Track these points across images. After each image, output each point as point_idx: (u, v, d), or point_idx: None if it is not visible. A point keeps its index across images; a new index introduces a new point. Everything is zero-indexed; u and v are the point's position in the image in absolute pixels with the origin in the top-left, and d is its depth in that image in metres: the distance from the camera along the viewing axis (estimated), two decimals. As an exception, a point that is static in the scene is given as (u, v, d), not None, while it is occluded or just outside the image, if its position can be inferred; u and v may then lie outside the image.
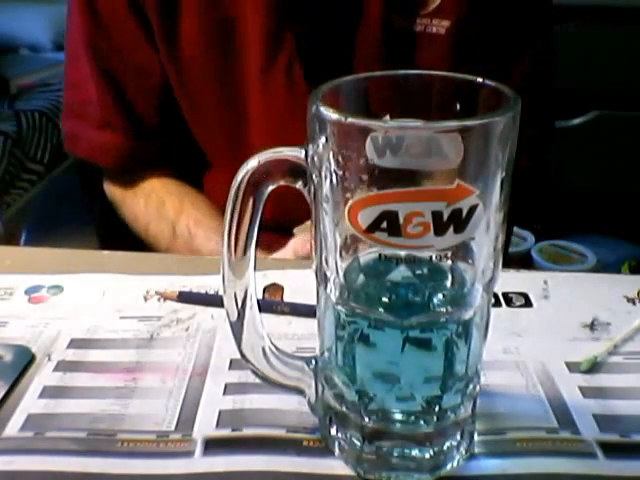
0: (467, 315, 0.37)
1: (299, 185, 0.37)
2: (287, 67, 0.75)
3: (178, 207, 0.80)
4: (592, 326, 0.52)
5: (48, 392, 0.45)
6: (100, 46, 0.78)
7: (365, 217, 0.33)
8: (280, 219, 0.64)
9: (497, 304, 0.54)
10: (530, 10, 0.82)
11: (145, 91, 0.80)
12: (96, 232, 0.96)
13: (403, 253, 0.34)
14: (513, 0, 0.80)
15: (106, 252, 0.64)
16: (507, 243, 0.96)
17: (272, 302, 0.55)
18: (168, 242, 0.79)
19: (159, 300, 0.55)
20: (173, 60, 0.76)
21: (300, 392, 0.42)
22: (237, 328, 0.40)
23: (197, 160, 0.84)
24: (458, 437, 0.39)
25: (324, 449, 0.41)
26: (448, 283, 0.37)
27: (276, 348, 0.41)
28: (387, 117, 0.34)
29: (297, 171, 0.36)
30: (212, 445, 0.41)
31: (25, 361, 0.48)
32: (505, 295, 0.56)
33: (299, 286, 0.56)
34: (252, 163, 0.36)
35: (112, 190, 0.86)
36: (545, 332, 0.51)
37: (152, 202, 0.81)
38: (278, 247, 0.67)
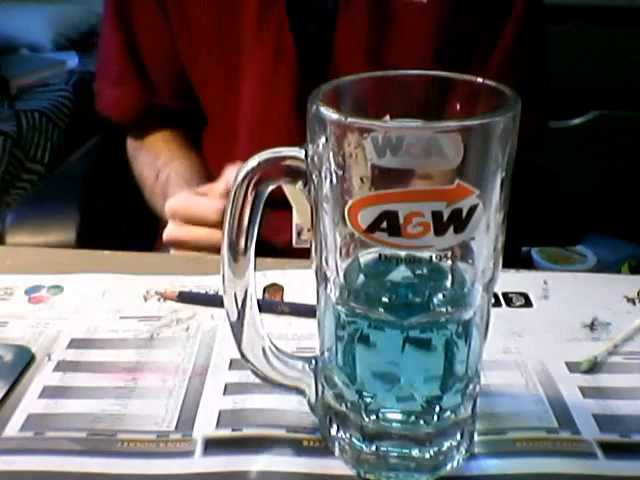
0: (467, 315, 0.37)
1: (299, 185, 0.37)
2: (278, 26, 0.79)
3: (168, 160, 0.86)
4: (592, 326, 0.52)
5: (48, 392, 0.45)
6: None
7: (365, 217, 0.33)
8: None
9: (497, 304, 0.54)
10: None
11: (157, 47, 0.86)
12: (99, 230, 0.97)
13: (403, 253, 0.34)
14: None
15: (106, 252, 0.64)
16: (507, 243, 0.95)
17: (272, 302, 0.55)
18: (151, 186, 0.85)
19: (159, 300, 0.55)
20: (178, 8, 0.82)
21: (300, 392, 0.42)
22: (237, 328, 0.40)
23: (197, 118, 0.89)
24: (458, 437, 0.39)
25: (324, 449, 0.41)
26: (448, 283, 0.37)
27: (276, 348, 0.41)
28: (387, 117, 0.34)
29: (297, 171, 0.36)
30: (212, 445, 0.41)
31: (25, 361, 0.48)
32: (505, 295, 0.56)
33: (299, 286, 0.56)
34: (252, 163, 0.36)
35: (128, 147, 0.93)
36: (545, 332, 0.51)
37: (151, 155, 0.88)
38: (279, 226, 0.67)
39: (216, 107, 0.87)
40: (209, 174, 0.84)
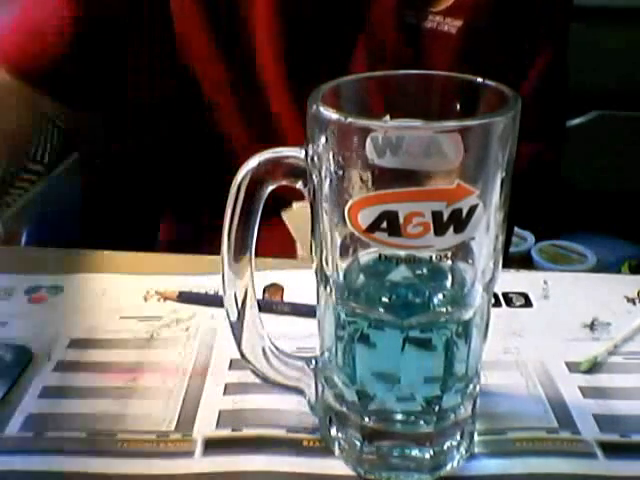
0: (467, 315, 0.37)
1: (299, 185, 0.37)
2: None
3: None
4: (592, 326, 0.52)
5: (48, 392, 0.45)
6: None
7: (365, 217, 0.33)
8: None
9: (497, 304, 0.54)
10: (546, 17, 0.81)
11: None
12: (99, 230, 0.96)
13: (403, 253, 0.34)
14: (529, 5, 0.80)
15: (106, 252, 0.64)
16: (507, 243, 0.96)
17: (272, 302, 0.55)
18: None
19: (159, 300, 0.55)
20: None
21: (300, 392, 0.42)
22: (237, 328, 0.40)
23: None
24: (458, 437, 0.39)
25: (324, 449, 0.41)
26: (448, 283, 0.37)
27: (276, 348, 0.41)
28: (387, 117, 0.34)
29: (297, 171, 0.36)
30: (212, 445, 0.41)
31: (25, 361, 0.48)
32: (505, 295, 0.56)
33: (299, 286, 0.56)
34: (252, 163, 0.36)
35: None
36: (545, 332, 0.51)
37: None
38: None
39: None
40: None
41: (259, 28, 0.74)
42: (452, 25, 0.74)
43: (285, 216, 0.69)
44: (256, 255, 0.38)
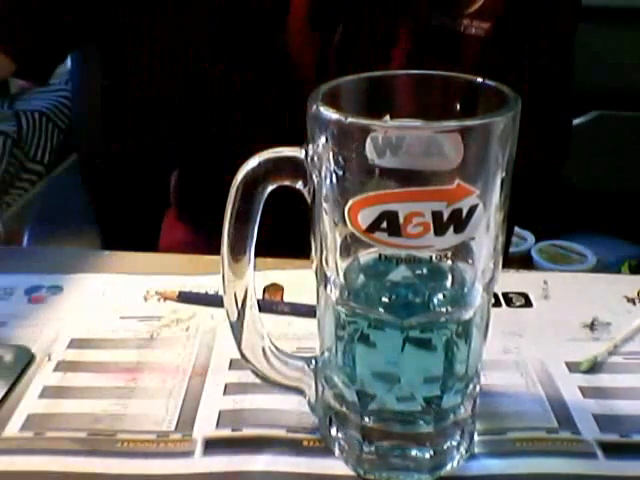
0: (467, 315, 0.37)
1: (299, 185, 0.37)
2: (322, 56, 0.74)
3: None
4: (592, 326, 0.52)
5: (48, 392, 0.45)
6: None
7: (365, 217, 0.33)
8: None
9: (497, 304, 0.54)
10: (560, 15, 0.82)
11: None
12: (100, 230, 0.96)
13: (403, 253, 0.34)
14: (547, 5, 0.80)
15: (106, 252, 0.64)
16: (507, 243, 0.96)
17: (272, 302, 0.55)
18: None
19: (159, 300, 0.55)
20: None
21: (300, 392, 0.42)
22: (237, 328, 0.40)
23: None
24: (458, 437, 0.39)
25: (324, 449, 0.41)
26: (448, 283, 0.37)
27: (276, 348, 0.41)
28: (387, 117, 0.34)
29: (297, 171, 0.36)
30: (212, 445, 0.41)
31: (25, 361, 0.48)
32: (505, 295, 0.56)
33: (299, 286, 0.56)
34: (252, 163, 0.36)
35: None
36: (545, 332, 0.51)
37: None
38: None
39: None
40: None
41: None
42: (480, 27, 0.74)
43: None
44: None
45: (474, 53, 0.74)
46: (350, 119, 0.32)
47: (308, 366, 0.41)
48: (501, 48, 0.75)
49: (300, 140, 0.36)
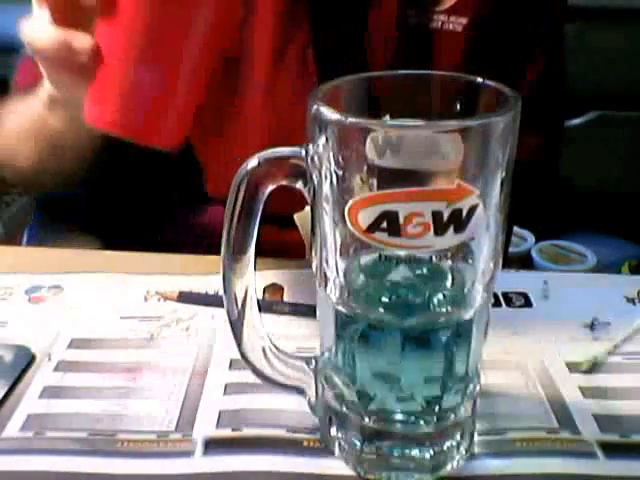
0: (467, 315, 0.37)
1: (299, 185, 0.37)
2: (299, 60, 0.73)
3: None
4: (592, 326, 0.52)
5: (48, 392, 0.45)
6: None
7: (365, 217, 0.33)
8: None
9: (497, 304, 0.54)
10: (544, 9, 0.82)
11: None
12: (100, 230, 0.96)
13: (403, 253, 0.34)
14: (529, 2, 0.80)
15: (106, 252, 0.64)
16: (507, 243, 0.96)
17: (272, 302, 0.55)
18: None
19: (159, 300, 0.55)
20: None
21: (300, 392, 0.42)
22: (237, 328, 0.40)
23: None
24: (458, 437, 0.39)
25: (324, 449, 0.41)
26: (448, 283, 0.37)
27: (276, 348, 0.41)
28: (387, 117, 0.34)
29: (297, 171, 0.36)
30: (212, 445, 0.41)
31: (25, 361, 0.48)
32: (505, 295, 0.56)
33: (299, 286, 0.56)
34: (252, 163, 0.36)
35: None
36: (545, 332, 0.51)
37: None
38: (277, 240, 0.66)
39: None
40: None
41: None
42: (457, 23, 0.74)
43: (297, 218, 0.69)
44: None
45: (453, 50, 0.74)
46: (350, 119, 0.32)
47: (308, 366, 0.41)
48: (482, 44, 0.75)
49: None
